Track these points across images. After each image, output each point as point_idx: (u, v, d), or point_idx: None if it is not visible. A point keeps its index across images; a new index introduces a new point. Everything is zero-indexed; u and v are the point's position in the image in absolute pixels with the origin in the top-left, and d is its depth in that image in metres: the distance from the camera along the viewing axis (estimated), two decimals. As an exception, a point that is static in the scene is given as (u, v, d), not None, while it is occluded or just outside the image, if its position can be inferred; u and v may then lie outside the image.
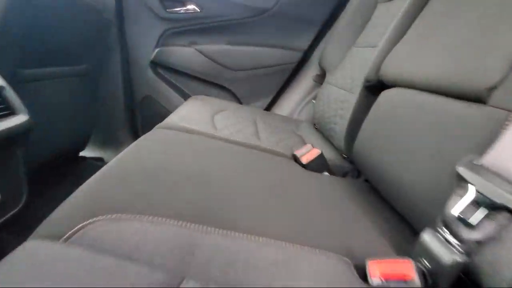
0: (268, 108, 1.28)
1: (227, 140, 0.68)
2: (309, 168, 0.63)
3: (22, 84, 0.70)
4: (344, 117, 0.76)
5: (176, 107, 1.27)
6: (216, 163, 0.52)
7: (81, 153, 1.27)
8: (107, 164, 0.47)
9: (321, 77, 1.16)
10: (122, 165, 0.45)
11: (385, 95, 0.55)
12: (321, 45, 1.20)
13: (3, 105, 0.54)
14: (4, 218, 0.55)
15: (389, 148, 0.49)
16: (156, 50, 1.19)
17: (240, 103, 1.27)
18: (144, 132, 1.34)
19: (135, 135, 1.35)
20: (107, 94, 1.23)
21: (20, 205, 0.59)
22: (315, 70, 1.20)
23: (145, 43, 1.19)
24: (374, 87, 0.64)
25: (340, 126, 0.78)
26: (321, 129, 0.97)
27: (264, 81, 1.25)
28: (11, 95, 0.55)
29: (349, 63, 0.88)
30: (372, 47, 0.75)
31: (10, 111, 0.55)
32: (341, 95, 0.83)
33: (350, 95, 0.76)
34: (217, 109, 1.00)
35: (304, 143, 0.91)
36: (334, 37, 1.06)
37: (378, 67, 0.62)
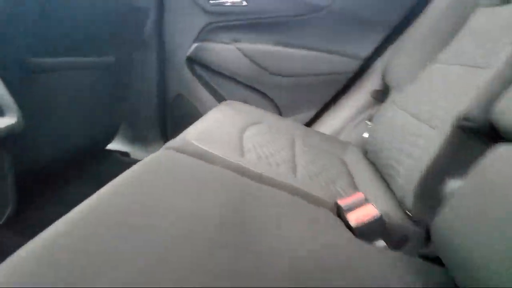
0: (311, 122, 1.10)
1: (250, 175, 0.53)
2: (358, 233, 0.45)
3: (32, 74, 0.62)
4: (415, 158, 0.56)
5: (208, 109, 1.15)
6: (217, 223, 0.36)
7: (108, 146, 1.23)
8: (81, 206, 0.34)
9: (382, 94, 0.95)
10: (91, 215, 0.32)
11: (504, 152, 0.34)
12: (387, 54, 0.98)
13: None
14: None
15: (504, 231, 0.29)
16: (194, 45, 1.08)
17: (280, 113, 1.11)
18: (172, 133, 1.27)
19: (164, 134, 1.27)
20: (139, 88, 1.16)
21: (5, 216, 0.51)
22: (375, 84, 0.98)
23: (184, 36, 1.08)
24: (476, 131, 0.44)
25: (407, 168, 0.57)
26: (375, 162, 0.76)
27: (311, 91, 1.07)
28: (1, 91, 0.46)
29: (430, 84, 0.66)
30: (474, 66, 0.53)
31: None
32: (413, 126, 0.62)
33: (430, 131, 0.55)
34: (251, 121, 0.85)
35: (350, 177, 0.72)
36: (407, 46, 0.84)
37: (488, 102, 0.41)
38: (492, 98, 0.41)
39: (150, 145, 1.28)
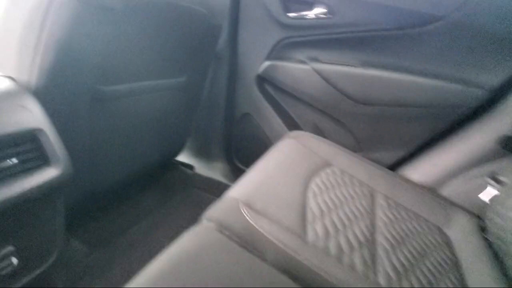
0: (398, 165, 0.87)
1: (310, 279, 0.38)
2: None
3: (102, 102, 0.61)
4: None
5: (275, 132, 1.03)
6: None
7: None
8: None
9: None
10: None
11: None
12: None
13: (37, 153, 0.42)
14: (23, 281, 0.45)
15: None
16: (266, 63, 0.97)
17: (359, 149, 0.91)
18: (236, 153, 1.20)
19: (228, 152, 1.21)
20: (208, 104, 1.12)
21: (50, 261, 0.50)
22: (505, 126, 0.69)
23: (256, 52, 0.98)
24: None
25: None
26: (499, 246, 0.52)
27: (403, 125, 0.83)
28: (48, 139, 0.43)
29: None
30: None
31: (43, 162, 0.43)
32: None
33: None
34: (319, 165, 0.69)
35: (457, 272, 0.50)
36: None
37: None
38: None
39: (214, 161, 1.25)
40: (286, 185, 0.58)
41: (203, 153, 1.26)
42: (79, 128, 0.61)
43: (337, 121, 0.92)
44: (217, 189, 1.12)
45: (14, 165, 0.39)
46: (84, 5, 0.45)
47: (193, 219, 0.48)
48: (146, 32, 0.64)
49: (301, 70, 0.91)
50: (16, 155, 0.39)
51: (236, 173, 1.21)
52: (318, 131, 0.96)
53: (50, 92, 0.48)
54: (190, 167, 1.26)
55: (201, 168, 1.26)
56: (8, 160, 0.38)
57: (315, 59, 0.90)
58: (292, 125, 1.01)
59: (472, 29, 0.70)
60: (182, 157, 1.29)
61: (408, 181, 0.77)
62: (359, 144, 0.91)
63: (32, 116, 0.42)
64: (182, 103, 0.96)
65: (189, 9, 0.70)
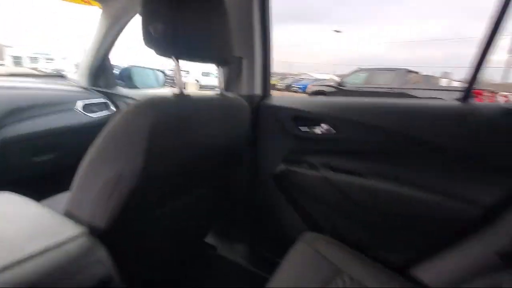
0: (407, 268, 0.92)
1: None
2: None
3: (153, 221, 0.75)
4: None
5: (291, 227, 1.13)
6: None
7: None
8: None
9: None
10: None
11: None
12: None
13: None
14: None
15: None
16: (282, 166, 1.12)
17: (373, 249, 0.98)
18: (258, 239, 1.30)
19: (251, 238, 1.32)
20: (233, 197, 1.26)
21: None
22: (503, 242, 0.76)
23: (273, 156, 1.14)
24: None
25: None
26: None
27: (409, 234, 0.91)
28: (115, 282, 0.57)
29: None
30: None
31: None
32: None
33: None
34: (331, 272, 0.78)
35: None
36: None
37: None
38: None
39: (236, 244, 1.35)
40: None
41: (226, 238, 1.37)
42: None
43: (352, 221, 1.01)
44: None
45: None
46: (142, 178, 0.61)
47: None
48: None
49: (312, 176, 1.04)
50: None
51: (255, 255, 1.29)
52: (335, 230, 1.05)
53: (116, 235, 0.63)
54: (213, 248, 1.36)
55: (224, 250, 1.36)
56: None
57: (327, 165, 1.03)
58: (310, 220, 1.11)
59: (466, 154, 0.81)
60: (208, 239, 1.40)
61: (418, 282, 0.83)
62: (372, 245, 0.98)
63: (105, 268, 0.56)
64: (212, 204, 1.09)
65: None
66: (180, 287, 1.10)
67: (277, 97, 1.17)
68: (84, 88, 1.62)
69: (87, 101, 1.52)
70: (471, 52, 0.85)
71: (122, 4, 1.32)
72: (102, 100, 1.61)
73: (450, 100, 0.89)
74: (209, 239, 1.39)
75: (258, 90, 1.16)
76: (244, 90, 1.15)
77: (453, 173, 0.84)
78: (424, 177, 0.87)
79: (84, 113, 1.47)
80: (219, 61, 0.80)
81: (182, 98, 0.68)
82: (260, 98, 1.16)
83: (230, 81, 1.17)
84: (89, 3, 1.39)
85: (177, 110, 0.66)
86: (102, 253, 0.58)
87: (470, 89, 0.83)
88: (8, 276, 0.46)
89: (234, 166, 1.07)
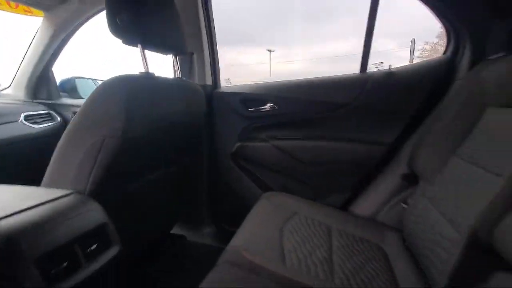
0: (346, 204, 1.17)
1: (291, 285, 0.63)
2: None
3: (126, 195, 0.82)
4: (443, 260, 0.61)
5: (252, 195, 1.29)
6: None
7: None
8: None
9: (411, 177, 1.01)
10: None
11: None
12: (412, 139, 1.06)
13: (105, 238, 0.64)
14: None
15: None
16: (237, 144, 1.28)
17: (317, 197, 1.21)
18: (221, 216, 1.42)
19: (216, 218, 1.43)
20: (195, 180, 1.37)
21: None
22: (404, 168, 1.05)
23: (229, 137, 1.30)
24: (483, 251, 0.49)
25: (441, 263, 0.62)
26: (413, 251, 0.80)
27: (342, 176, 1.17)
28: (111, 230, 0.65)
29: (454, 183, 0.72)
30: (489, 172, 0.58)
31: (109, 244, 0.64)
32: (441, 225, 0.67)
33: (455, 234, 0.61)
34: (289, 214, 0.96)
35: (390, 271, 0.76)
36: (428, 138, 0.91)
37: (494, 220, 0.46)
38: (495, 218, 0.47)
39: (204, 228, 1.44)
40: (268, 233, 0.83)
41: (194, 223, 1.46)
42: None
43: (298, 179, 1.23)
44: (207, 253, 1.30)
45: (95, 249, 0.60)
46: (122, 140, 0.71)
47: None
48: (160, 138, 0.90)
49: (264, 147, 1.24)
50: (95, 242, 0.60)
51: (224, 234, 1.41)
52: (286, 189, 1.25)
53: (100, 194, 0.70)
54: (183, 237, 1.43)
55: (193, 237, 1.43)
56: (92, 247, 0.59)
57: (274, 137, 1.24)
58: (265, 187, 1.29)
59: (366, 108, 1.10)
60: (176, 230, 1.46)
61: (353, 216, 1.06)
62: (317, 194, 1.21)
63: (98, 214, 0.64)
64: (177, 185, 1.19)
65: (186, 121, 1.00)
66: (154, 281, 1.14)
67: (227, 86, 1.35)
68: (24, 101, 1.56)
69: (28, 113, 1.48)
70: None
71: (68, 12, 1.35)
72: (45, 111, 1.57)
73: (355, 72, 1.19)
74: (177, 230, 1.45)
75: (209, 81, 1.32)
76: (197, 81, 1.30)
77: (361, 125, 1.12)
78: (343, 131, 1.15)
79: (28, 125, 1.43)
80: (177, 51, 0.95)
81: (148, 77, 0.81)
82: (211, 88, 1.32)
83: (184, 73, 1.31)
84: (31, 13, 1.38)
85: (146, 85, 0.78)
86: (95, 205, 0.65)
87: (365, 63, 1.13)
88: (12, 220, 0.51)
89: (195, 144, 1.20)
